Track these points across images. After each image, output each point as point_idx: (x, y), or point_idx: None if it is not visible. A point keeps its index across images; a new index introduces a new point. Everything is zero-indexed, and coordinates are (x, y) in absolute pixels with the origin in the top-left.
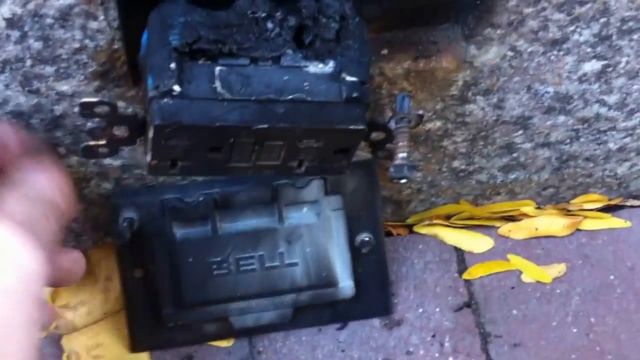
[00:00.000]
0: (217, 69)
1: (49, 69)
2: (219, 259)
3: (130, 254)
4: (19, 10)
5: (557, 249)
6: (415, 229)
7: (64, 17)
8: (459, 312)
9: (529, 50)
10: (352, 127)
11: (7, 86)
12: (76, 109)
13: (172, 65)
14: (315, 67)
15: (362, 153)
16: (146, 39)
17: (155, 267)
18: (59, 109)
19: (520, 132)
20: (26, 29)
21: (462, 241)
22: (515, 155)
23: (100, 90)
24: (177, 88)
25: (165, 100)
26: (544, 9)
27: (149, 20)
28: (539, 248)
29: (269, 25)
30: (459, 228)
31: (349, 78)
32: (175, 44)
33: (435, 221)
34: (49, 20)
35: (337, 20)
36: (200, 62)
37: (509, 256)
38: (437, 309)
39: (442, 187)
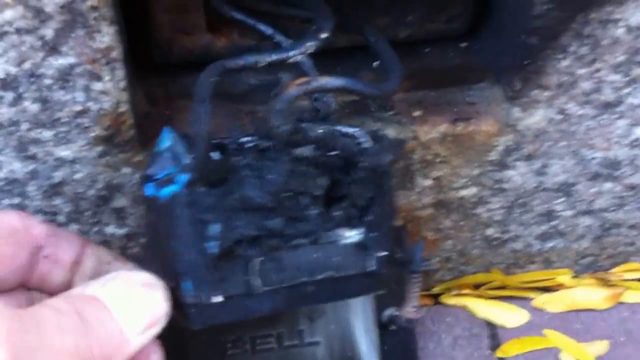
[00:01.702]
0: (252, 262)
1: (47, 134)
2: (233, 337)
3: None
4: (13, 70)
5: (597, 324)
6: (442, 299)
7: (64, 77)
8: None
9: (579, 113)
10: (371, 293)
11: (0, 151)
12: (77, 176)
13: (212, 275)
14: (344, 237)
15: None
16: (168, 197)
17: (163, 345)
18: (58, 176)
19: (562, 199)
20: (21, 90)
21: (495, 314)
22: (554, 223)
23: (104, 156)
24: (218, 299)
25: (203, 306)
26: (598, 70)
27: (172, 207)
28: (577, 322)
29: (303, 202)
30: (490, 299)
31: (378, 253)
32: (215, 252)
33: (464, 291)
34: (47, 81)
35: (371, 191)
36: (237, 254)
37: (546, 331)
38: None
39: (472, 255)
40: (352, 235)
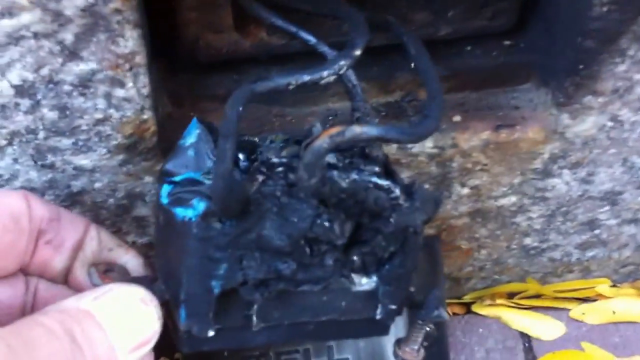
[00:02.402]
0: (256, 305)
1: (65, 142)
2: (257, 353)
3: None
4: (30, 76)
5: (637, 337)
6: (475, 308)
7: (84, 84)
8: None
9: (632, 120)
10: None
11: (15, 160)
12: (96, 185)
13: (211, 314)
14: (358, 285)
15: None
16: (181, 219)
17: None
18: (76, 185)
19: (607, 207)
20: (39, 97)
21: (530, 326)
22: (597, 232)
23: (125, 165)
24: (211, 334)
25: (196, 338)
26: None
27: (185, 233)
28: (616, 335)
29: (322, 248)
30: (525, 309)
31: (389, 306)
32: (217, 292)
33: (497, 301)
34: (66, 88)
35: (396, 246)
36: (240, 298)
37: (584, 344)
38: None
39: (508, 264)
40: (365, 282)
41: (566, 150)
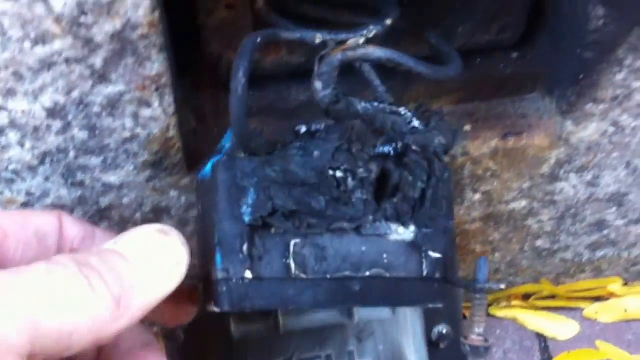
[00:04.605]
0: (292, 242)
1: (94, 160)
2: (281, 358)
3: (182, 355)
4: (62, 99)
5: None
6: (491, 310)
7: (113, 105)
8: None
9: (633, 125)
10: (430, 305)
11: (47, 179)
12: (124, 200)
13: (245, 247)
14: (396, 233)
15: None
16: (210, 168)
17: None
18: (105, 201)
19: (614, 209)
20: (70, 118)
21: (545, 326)
22: (605, 232)
23: (151, 180)
24: (249, 275)
25: (234, 283)
26: None
27: (216, 170)
28: (629, 333)
29: (350, 184)
30: (540, 310)
31: (432, 254)
32: (248, 220)
33: (513, 302)
34: (96, 109)
35: (424, 180)
36: (274, 232)
37: (598, 343)
38: None
39: (522, 266)
40: (402, 232)
41: (571, 155)
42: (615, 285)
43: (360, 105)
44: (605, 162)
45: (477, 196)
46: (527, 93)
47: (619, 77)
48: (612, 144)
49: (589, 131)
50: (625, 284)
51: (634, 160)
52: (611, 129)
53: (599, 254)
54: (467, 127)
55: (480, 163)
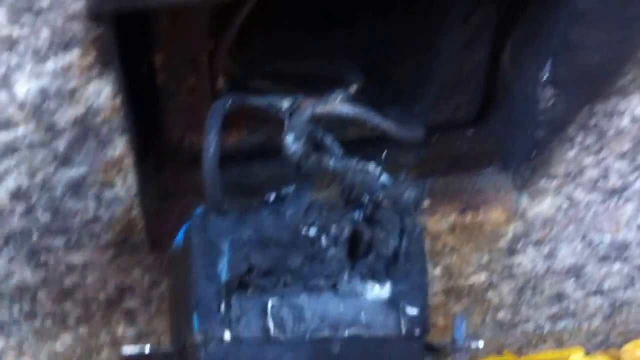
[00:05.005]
0: (270, 302)
1: (58, 241)
2: None
3: None
4: (25, 183)
5: None
6: None
7: (76, 187)
8: None
9: (587, 199)
10: None
11: (11, 260)
12: (87, 280)
13: (222, 306)
14: (372, 291)
15: None
16: (182, 235)
17: None
18: (68, 281)
19: (572, 280)
20: (33, 201)
21: None
22: (565, 304)
23: (114, 260)
24: (227, 336)
25: (213, 346)
26: (604, 158)
27: (189, 234)
28: None
29: (323, 242)
30: None
31: (409, 310)
32: (225, 280)
33: None
34: (59, 192)
35: (396, 236)
36: (250, 291)
37: None
38: None
39: (484, 338)
40: (378, 290)
41: (528, 229)
42: (577, 355)
43: (331, 161)
44: (561, 236)
45: (437, 270)
46: (483, 168)
47: (571, 153)
48: (568, 217)
49: (544, 206)
50: (587, 354)
51: (589, 234)
52: (566, 204)
53: (560, 325)
54: (426, 203)
55: (438, 238)
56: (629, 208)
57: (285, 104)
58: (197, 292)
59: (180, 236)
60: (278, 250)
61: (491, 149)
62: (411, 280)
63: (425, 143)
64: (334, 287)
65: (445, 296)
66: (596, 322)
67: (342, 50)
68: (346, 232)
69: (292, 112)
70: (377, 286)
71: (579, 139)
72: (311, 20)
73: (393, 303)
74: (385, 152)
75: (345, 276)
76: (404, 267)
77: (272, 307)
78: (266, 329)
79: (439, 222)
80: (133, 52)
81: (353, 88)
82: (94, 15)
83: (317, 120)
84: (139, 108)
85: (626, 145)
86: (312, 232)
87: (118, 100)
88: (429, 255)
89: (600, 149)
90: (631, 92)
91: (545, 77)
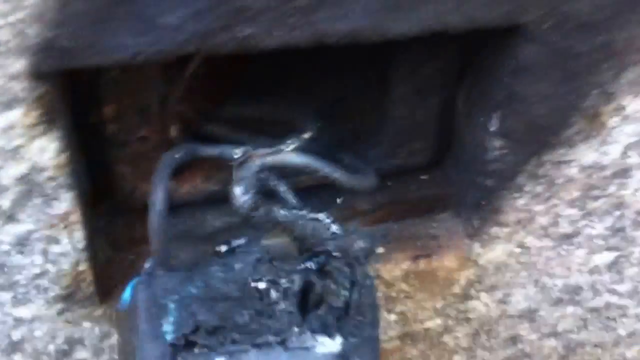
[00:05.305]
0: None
1: (5, 296)
2: None
3: None
4: None
5: None
6: None
7: (22, 243)
8: None
9: (538, 246)
10: None
11: None
12: (36, 333)
13: None
14: (322, 346)
15: None
16: (129, 292)
17: None
18: (17, 335)
19: (526, 324)
20: None
21: None
22: (520, 346)
23: (63, 313)
24: None
25: None
26: (555, 205)
27: (136, 292)
28: None
29: (273, 295)
30: None
31: None
32: (170, 340)
33: None
34: (5, 247)
35: (346, 287)
36: (197, 351)
37: None
38: None
39: None
40: (329, 344)
41: (481, 275)
42: None
43: (280, 212)
44: (514, 281)
45: (393, 316)
46: (438, 214)
47: (520, 202)
48: (520, 263)
49: (497, 252)
50: None
51: (542, 279)
52: (517, 250)
53: None
54: (380, 250)
55: (393, 285)
56: (580, 253)
57: (236, 154)
58: (142, 352)
59: (127, 293)
60: (227, 305)
61: (445, 195)
62: (362, 333)
63: (381, 188)
64: (283, 343)
65: (400, 341)
66: None
67: (299, 96)
68: (297, 284)
69: (242, 162)
70: (327, 340)
71: (528, 187)
72: (269, 66)
73: (343, 357)
74: (342, 198)
75: (296, 330)
76: (354, 319)
77: None
78: None
79: (393, 269)
80: (82, 105)
81: (307, 135)
82: (36, 74)
83: (269, 169)
84: (89, 158)
85: (575, 193)
86: (262, 285)
87: (63, 157)
88: (384, 301)
89: (550, 197)
90: (578, 142)
91: (493, 129)
